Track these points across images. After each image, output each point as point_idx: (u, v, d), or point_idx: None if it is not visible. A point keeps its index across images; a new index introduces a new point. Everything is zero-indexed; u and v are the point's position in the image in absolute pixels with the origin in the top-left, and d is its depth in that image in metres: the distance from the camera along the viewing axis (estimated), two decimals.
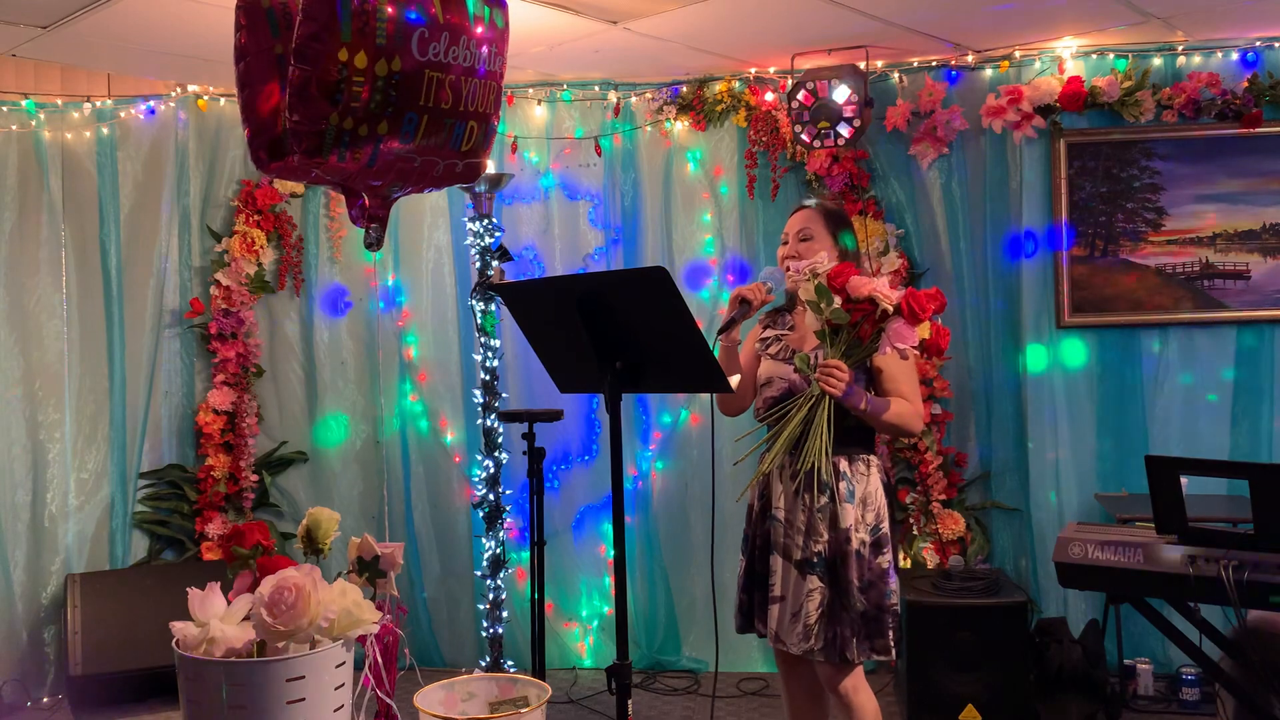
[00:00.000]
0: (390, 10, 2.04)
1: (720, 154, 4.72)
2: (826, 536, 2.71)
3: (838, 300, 2.60)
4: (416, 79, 2.06)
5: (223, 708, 1.55)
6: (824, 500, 2.71)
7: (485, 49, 2.16)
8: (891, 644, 2.70)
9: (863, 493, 2.74)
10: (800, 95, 4.25)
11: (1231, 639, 2.73)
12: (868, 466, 2.77)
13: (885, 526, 2.75)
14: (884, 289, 2.56)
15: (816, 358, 2.70)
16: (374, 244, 2.31)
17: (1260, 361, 4.29)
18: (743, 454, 2.86)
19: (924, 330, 2.56)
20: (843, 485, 2.72)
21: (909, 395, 2.75)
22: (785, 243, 2.92)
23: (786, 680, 2.99)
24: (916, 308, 2.53)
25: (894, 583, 2.73)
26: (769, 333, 2.95)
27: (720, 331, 2.77)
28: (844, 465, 2.74)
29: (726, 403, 2.97)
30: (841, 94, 4.19)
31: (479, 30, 2.14)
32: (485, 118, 2.20)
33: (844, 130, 4.21)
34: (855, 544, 2.69)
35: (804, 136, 4.28)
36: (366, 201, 2.29)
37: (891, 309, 2.55)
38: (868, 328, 2.59)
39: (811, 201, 3.02)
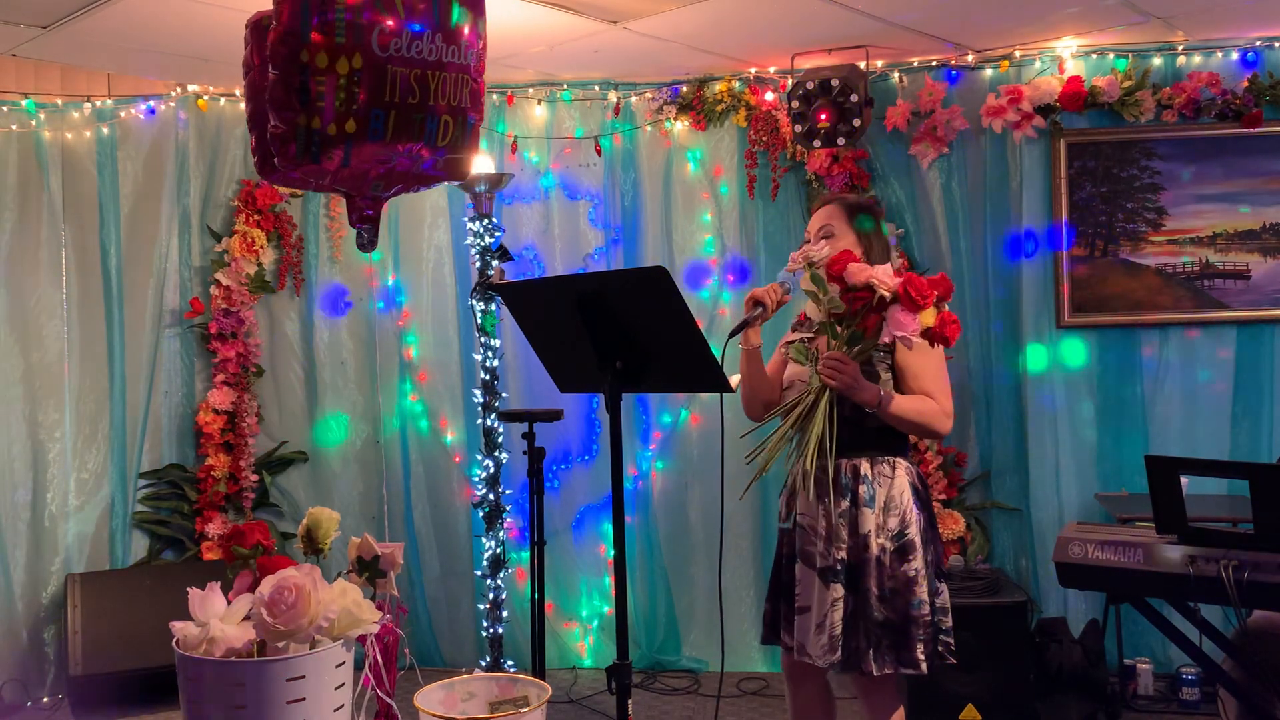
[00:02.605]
0: (349, 8, 2.04)
1: (720, 154, 4.72)
2: (848, 543, 2.59)
3: (835, 289, 2.49)
4: (379, 76, 2.06)
5: (223, 708, 1.55)
6: (844, 505, 2.60)
7: (453, 43, 2.14)
8: (921, 657, 2.52)
9: (885, 497, 2.60)
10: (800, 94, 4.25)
11: (1234, 640, 2.72)
12: (893, 469, 2.62)
13: (912, 532, 2.57)
14: (882, 275, 2.43)
15: (817, 350, 2.59)
16: (366, 245, 2.31)
17: (1260, 361, 4.29)
18: (750, 450, 2.69)
19: (927, 318, 2.43)
20: (863, 489, 2.59)
21: (934, 393, 2.59)
22: (807, 240, 2.78)
23: (795, 688, 2.84)
24: (915, 294, 2.40)
25: (925, 592, 2.55)
26: (795, 335, 2.82)
27: (731, 334, 2.63)
28: (865, 468, 2.61)
29: (750, 405, 2.83)
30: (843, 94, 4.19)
31: (445, 24, 2.12)
32: (460, 112, 2.18)
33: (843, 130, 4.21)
34: (875, 550, 2.56)
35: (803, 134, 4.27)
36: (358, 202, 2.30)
37: (890, 296, 2.43)
38: (872, 318, 2.47)
39: (835, 195, 2.87)
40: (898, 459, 2.65)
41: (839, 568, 2.58)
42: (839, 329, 2.55)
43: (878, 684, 2.62)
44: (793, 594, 2.68)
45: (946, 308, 2.50)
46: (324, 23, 2.02)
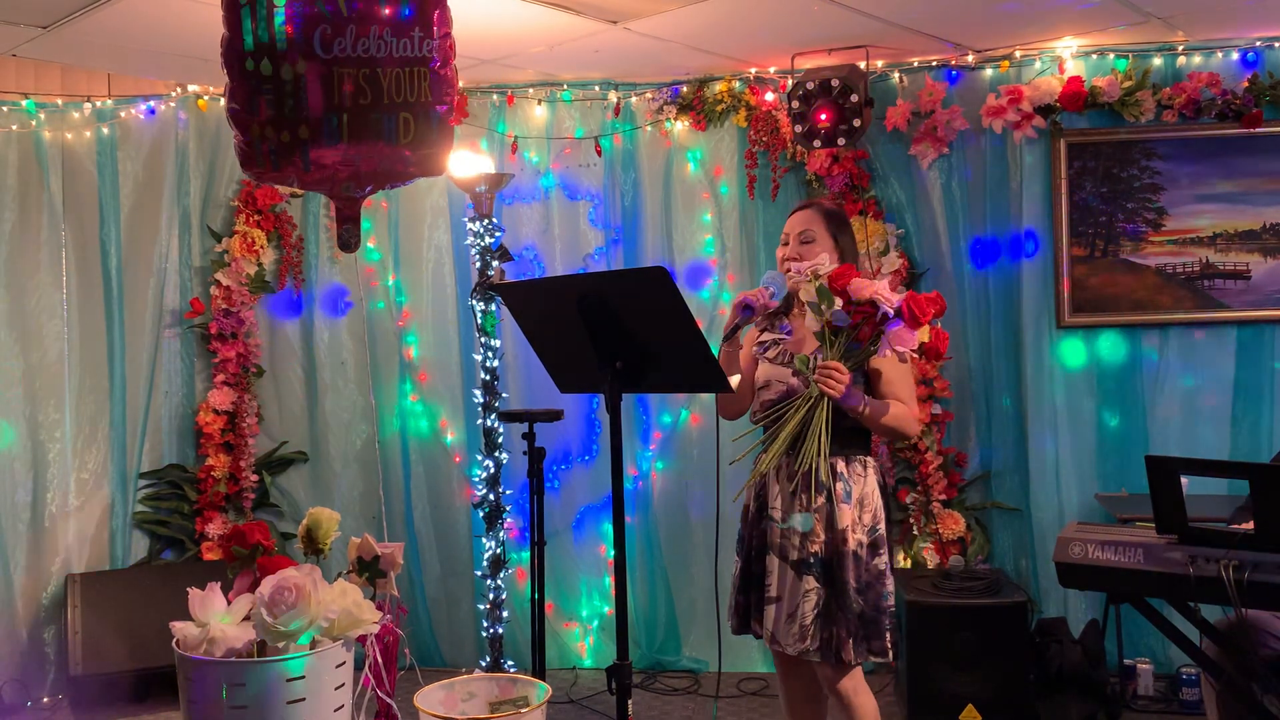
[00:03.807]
0: (288, 11, 2.00)
1: (720, 154, 4.72)
2: (823, 537, 2.71)
3: (839, 302, 2.61)
4: (325, 78, 2.02)
5: (223, 708, 1.55)
6: (821, 501, 2.71)
7: (404, 36, 2.09)
8: (889, 645, 2.71)
9: (860, 494, 2.74)
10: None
11: (1220, 628, 2.74)
12: (865, 468, 2.78)
13: (882, 528, 2.75)
14: (885, 292, 2.57)
15: (815, 359, 2.70)
16: (347, 245, 2.30)
17: (1260, 361, 4.28)
18: (740, 454, 2.85)
19: (924, 334, 2.58)
20: (840, 486, 2.72)
21: (906, 398, 2.77)
22: (785, 243, 2.90)
23: (784, 680, 2.99)
24: (918, 311, 2.54)
25: (891, 584, 2.74)
26: (766, 336, 2.94)
27: (725, 339, 2.78)
28: (841, 466, 2.74)
29: (725, 406, 2.97)
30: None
31: (393, 19, 2.07)
32: (422, 107, 2.12)
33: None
34: (852, 545, 2.69)
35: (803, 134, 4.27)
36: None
37: (892, 312, 2.56)
38: (867, 330, 2.61)
39: (811, 201, 3.01)
40: (868, 458, 2.81)
41: (813, 561, 2.71)
42: (834, 339, 2.66)
43: (849, 674, 2.74)
44: (763, 585, 2.80)
45: (938, 324, 2.65)
46: (263, 29, 2.00)
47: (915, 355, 2.63)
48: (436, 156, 2.21)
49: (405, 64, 2.09)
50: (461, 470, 4.80)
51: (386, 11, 2.07)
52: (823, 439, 2.63)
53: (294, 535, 4.56)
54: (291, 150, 2.05)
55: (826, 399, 2.64)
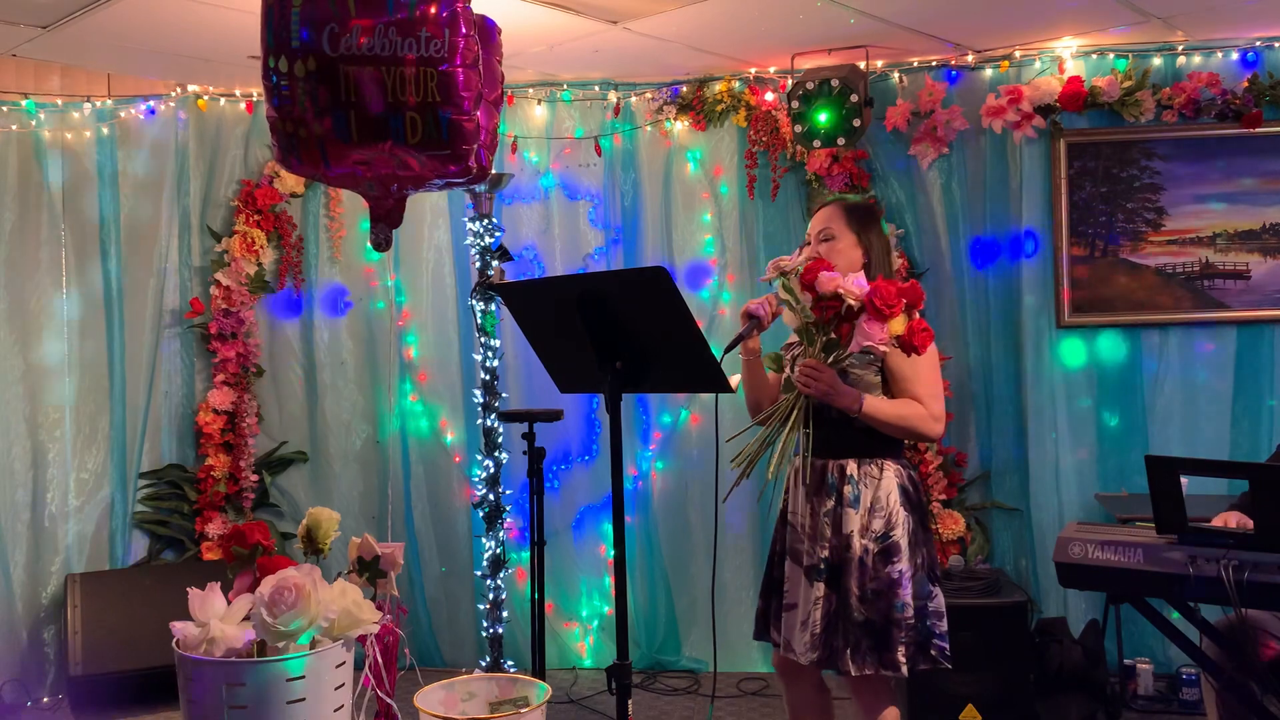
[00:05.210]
0: (301, 9, 2.03)
1: (720, 154, 4.72)
2: (831, 542, 2.62)
3: (808, 298, 2.51)
4: (332, 76, 2.04)
5: (223, 708, 1.55)
6: (830, 504, 2.63)
7: (411, 35, 2.08)
8: (901, 659, 2.54)
9: (870, 498, 2.61)
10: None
11: (1223, 630, 2.74)
12: (880, 471, 2.64)
13: (897, 534, 2.59)
14: (850, 285, 2.44)
15: (793, 357, 2.63)
16: (378, 245, 2.29)
17: (1260, 361, 4.29)
18: (736, 453, 2.72)
19: (896, 326, 2.44)
20: (848, 489, 2.61)
21: (922, 396, 2.61)
22: (808, 243, 2.77)
23: (789, 688, 2.87)
24: (880, 303, 2.41)
25: (909, 594, 2.56)
26: (793, 338, 2.83)
27: (727, 349, 2.62)
28: (852, 469, 2.63)
29: (753, 410, 2.82)
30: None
31: (401, 17, 2.07)
32: (429, 108, 2.10)
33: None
34: (857, 551, 2.58)
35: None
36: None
37: (857, 306, 2.44)
38: (845, 326, 2.49)
39: (833, 198, 2.91)
40: (886, 460, 2.66)
41: (822, 566, 2.61)
42: (815, 336, 2.56)
43: (866, 683, 2.63)
44: (783, 590, 2.72)
45: (919, 315, 2.50)
46: (281, 25, 2.02)
47: (894, 348, 2.49)
48: (452, 160, 2.17)
49: (412, 64, 2.08)
50: (461, 470, 4.80)
51: (393, 12, 2.08)
52: (801, 437, 2.54)
53: (294, 535, 4.56)
54: (310, 146, 2.06)
55: (804, 398, 2.55)
